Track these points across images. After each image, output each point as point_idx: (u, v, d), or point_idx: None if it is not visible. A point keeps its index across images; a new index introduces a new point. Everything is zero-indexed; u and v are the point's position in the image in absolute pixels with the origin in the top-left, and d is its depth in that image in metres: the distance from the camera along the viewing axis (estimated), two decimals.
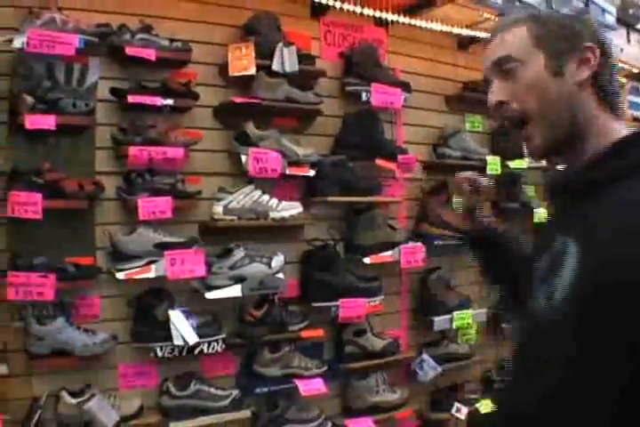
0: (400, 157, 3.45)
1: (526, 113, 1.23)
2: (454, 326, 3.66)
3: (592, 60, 1.19)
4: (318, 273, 3.20)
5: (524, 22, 1.23)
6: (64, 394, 2.49)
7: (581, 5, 4.11)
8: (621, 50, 4.69)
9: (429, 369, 3.55)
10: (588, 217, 1.03)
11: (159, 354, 2.71)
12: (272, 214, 2.98)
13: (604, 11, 4.33)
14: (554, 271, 1.05)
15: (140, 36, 2.63)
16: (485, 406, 3.78)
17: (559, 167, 1.33)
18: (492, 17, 3.63)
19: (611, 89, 1.22)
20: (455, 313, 3.63)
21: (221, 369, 3.02)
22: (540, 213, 4.07)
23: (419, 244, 3.48)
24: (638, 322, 0.91)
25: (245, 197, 2.94)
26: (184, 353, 2.75)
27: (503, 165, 3.92)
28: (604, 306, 0.94)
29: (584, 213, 1.05)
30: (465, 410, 3.68)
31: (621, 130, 1.18)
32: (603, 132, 1.19)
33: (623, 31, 4.86)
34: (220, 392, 2.84)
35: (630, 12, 4.84)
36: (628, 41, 4.92)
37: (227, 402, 2.83)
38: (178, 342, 2.68)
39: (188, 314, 2.76)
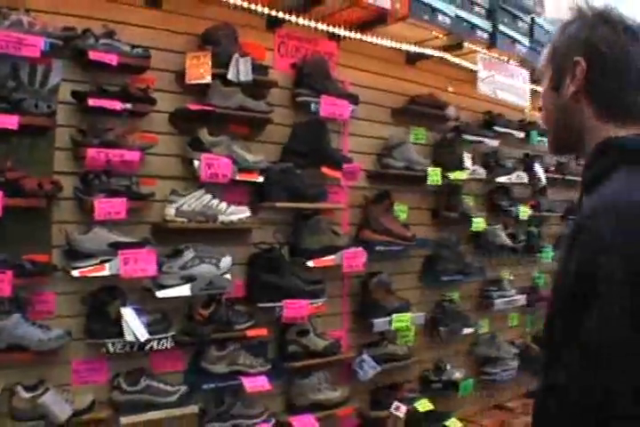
0: (345, 165, 3.59)
1: (542, 119, 1.49)
2: (393, 328, 3.82)
3: (578, 74, 1.33)
4: (264, 275, 3.32)
5: (554, 37, 1.42)
6: (19, 389, 2.56)
7: (526, 27, 4.37)
8: None
9: (369, 369, 3.70)
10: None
11: (111, 350, 2.80)
12: (221, 218, 3.09)
13: (547, 32, 4.59)
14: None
15: (103, 41, 2.72)
16: (423, 404, 3.98)
17: None
18: (441, 35, 3.83)
19: (606, 97, 1.33)
20: (394, 316, 3.79)
21: (170, 366, 3.12)
22: (478, 222, 4.30)
23: (360, 249, 3.61)
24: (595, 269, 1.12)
25: (196, 200, 3.05)
26: (135, 349, 2.84)
27: (444, 176, 4.09)
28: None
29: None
30: (404, 408, 3.84)
31: (613, 133, 1.31)
32: (595, 137, 1.33)
33: None
34: (168, 388, 2.94)
35: None
36: None
37: (175, 398, 2.93)
38: (129, 338, 2.76)
39: (139, 312, 2.84)
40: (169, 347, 2.94)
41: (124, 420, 2.80)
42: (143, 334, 2.80)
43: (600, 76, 1.32)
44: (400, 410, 3.84)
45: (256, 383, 3.19)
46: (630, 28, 1.32)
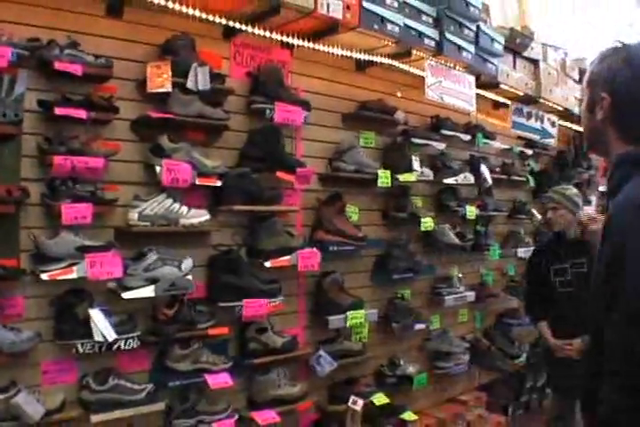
0: (299, 169, 3.74)
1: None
2: (348, 325, 3.99)
3: (604, 106, 1.76)
4: (223, 276, 3.45)
5: (594, 66, 1.83)
6: None
7: (472, 34, 4.59)
8: (507, 75, 5.24)
9: (326, 364, 3.87)
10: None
11: (80, 350, 2.92)
12: (182, 221, 3.23)
13: (493, 40, 4.83)
14: None
15: (67, 51, 2.84)
16: (379, 398, 4.16)
17: None
18: (390, 43, 4.01)
19: (626, 124, 1.76)
20: (349, 313, 3.96)
21: (136, 365, 3.24)
22: (427, 222, 4.51)
23: (315, 249, 3.77)
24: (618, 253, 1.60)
25: (158, 204, 3.17)
26: (103, 349, 2.96)
27: (393, 179, 4.28)
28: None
29: None
30: (361, 402, 4.00)
31: (628, 150, 1.74)
32: (615, 152, 1.78)
33: (510, 58, 5.40)
34: (136, 386, 3.07)
35: (517, 41, 5.39)
36: (514, 67, 5.46)
37: (142, 395, 3.06)
38: (98, 338, 2.89)
39: (106, 313, 2.97)
40: (135, 346, 3.07)
41: (94, 418, 2.93)
42: (111, 335, 2.92)
43: (620, 110, 1.74)
44: (357, 404, 4.00)
45: (219, 380, 3.33)
46: None
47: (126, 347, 3.04)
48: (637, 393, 1.50)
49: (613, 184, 1.76)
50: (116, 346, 3.00)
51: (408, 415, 4.43)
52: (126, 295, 3.04)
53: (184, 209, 3.26)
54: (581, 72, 6.65)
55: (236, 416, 3.45)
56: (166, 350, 3.30)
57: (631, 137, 1.75)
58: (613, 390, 1.56)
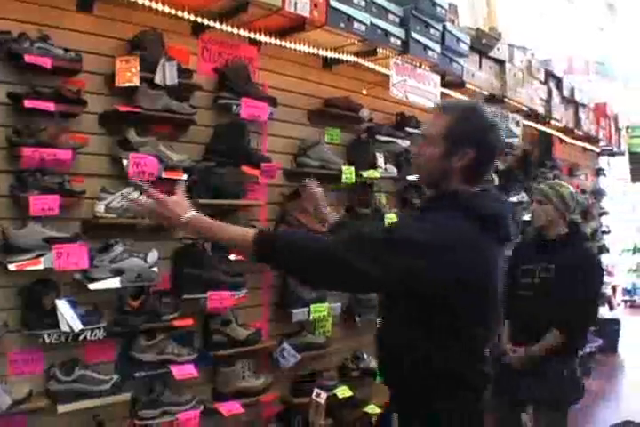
0: (263, 164, 3.84)
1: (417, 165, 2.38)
2: (311, 319, 4.12)
3: (465, 159, 2.15)
4: (188, 268, 3.54)
5: (449, 114, 2.21)
6: None
7: (438, 34, 4.72)
8: (473, 75, 5.39)
9: (290, 357, 3.99)
10: None
11: (47, 340, 3.00)
12: None
13: (458, 40, 4.95)
14: None
15: (38, 44, 2.93)
16: (343, 391, 4.29)
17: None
18: (356, 42, 4.12)
19: (478, 173, 2.23)
20: (312, 306, 4.09)
21: (102, 356, 3.33)
22: (390, 218, 4.63)
23: None
24: None
25: (124, 197, 3.28)
26: (70, 340, 3.05)
27: (357, 175, 4.41)
28: None
29: None
30: (324, 395, 4.12)
31: (460, 188, 2.19)
32: (449, 187, 2.20)
33: (476, 58, 5.52)
34: (102, 377, 3.16)
35: (483, 41, 5.52)
36: (480, 67, 5.58)
37: (108, 386, 3.15)
38: (64, 329, 2.97)
39: (72, 303, 3.05)
40: (101, 337, 3.16)
41: (60, 408, 3.01)
42: (77, 325, 3.00)
43: (479, 164, 2.19)
44: (321, 397, 4.11)
45: (184, 371, 3.43)
46: (500, 134, 2.25)
47: (92, 337, 3.12)
48: None
49: (424, 208, 2.39)
50: (82, 336, 3.08)
51: (371, 409, 4.55)
52: (92, 286, 3.13)
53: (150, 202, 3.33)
54: (547, 73, 6.86)
55: (201, 407, 3.54)
56: (132, 341, 3.39)
57: (473, 180, 2.22)
58: None
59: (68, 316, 3.00)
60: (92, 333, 3.12)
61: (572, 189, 3.96)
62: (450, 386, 2.15)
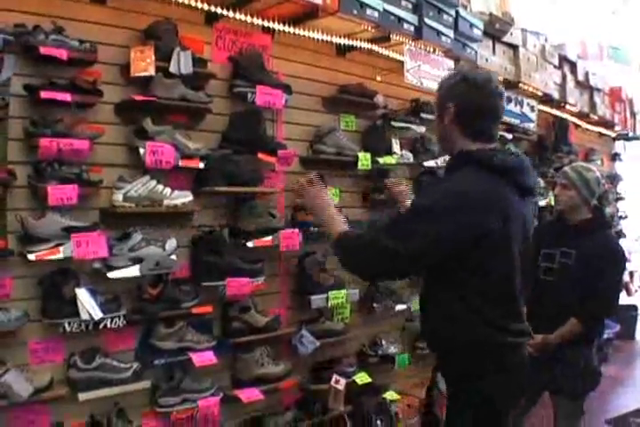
0: (280, 152, 3.85)
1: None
2: (330, 305, 4.12)
3: (450, 113, 2.42)
4: (207, 256, 3.56)
5: (439, 88, 2.53)
6: None
7: (451, 20, 4.69)
8: (486, 60, 5.37)
9: (308, 344, 4.00)
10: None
11: (67, 329, 3.03)
12: (166, 202, 3.33)
13: (471, 25, 4.93)
14: None
15: (53, 36, 2.93)
16: (361, 377, 4.31)
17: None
18: (369, 28, 4.11)
19: (465, 126, 2.43)
20: (330, 293, 4.09)
21: (122, 344, 3.35)
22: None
23: (296, 230, 3.90)
24: None
25: (142, 186, 3.27)
26: (90, 328, 3.07)
27: (373, 161, 4.42)
28: None
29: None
30: (343, 382, 4.14)
31: (469, 146, 2.42)
32: (459, 147, 2.45)
33: (490, 43, 5.51)
34: (122, 365, 3.18)
35: (497, 26, 5.49)
36: (494, 52, 5.57)
37: (128, 374, 3.17)
38: (84, 317, 2.99)
39: (92, 292, 3.07)
40: (121, 325, 3.18)
41: (81, 396, 3.04)
42: (97, 313, 3.03)
43: (462, 115, 2.42)
44: (340, 383, 4.13)
45: (203, 358, 3.45)
46: (481, 85, 2.39)
47: (112, 326, 3.15)
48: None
49: (448, 167, 2.55)
50: (102, 325, 3.11)
51: (390, 395, 4.58)
52: (112, 275, 3.15)
53: (167, 190, 3.36)
54: (561, 58, 6.81)
55: (221, 394, 3.56)
56: (151, 329, 3.41)
57: (471, 134, 2.43)
58: None
59: (87, 304, 3.02)
60: (111, 321, 3.15)
61: (597, 173, 3.82)
62: (488, 348, 2.35)
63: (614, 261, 3.68)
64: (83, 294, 3.04)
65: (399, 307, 4.74)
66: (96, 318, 3.03)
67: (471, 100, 2.39)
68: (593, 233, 3.69)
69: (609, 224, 3.91)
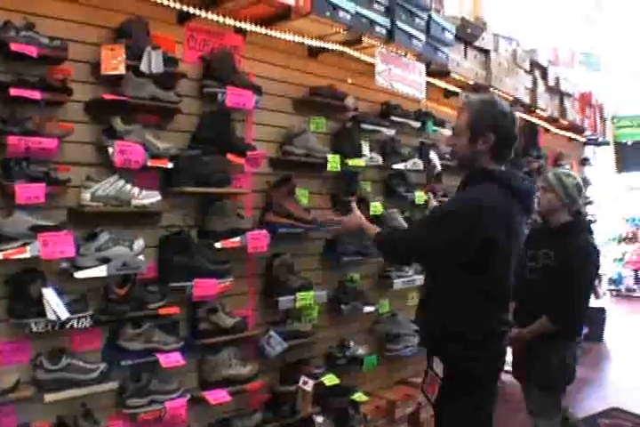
0: (249, 153, 3.87)
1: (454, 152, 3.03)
2: (297, 306, 4.15)
3: (487, 142, 2.79)
4: (174, 256, 3.57)
5: (470, 108, 2.86)
6: None
7: (423, 23, 4.76)
8: (458, 64, 5.44)
9: (276, 345, 4.02)
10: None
11: (34, 329, 3.02)
12: (134, 202, 3.33)
13: (443, 29, 5.00)
14: None
15: (23, 33, 2.93)
16: (329, 379, 4.34)
17: None
18: (341, 30, 4.16)
19: (500, 154, 2.84)
20: (298, 294, 4.12)
21: (89, 344, 3.35)
22: (376, 206, 4.70)
23: (264, 231, 3.92)
24: None
25: (110, 185, 3.27)
26: (56, 328, 3.07)
27: (343, 163, 4.46)
28: None
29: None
30: (311, 383, 4.18)
31: (491, 166, 2.82)
32: (479, 165, 2.84)
33: (461, 47, 5.59)
34: (89, 366, 3.19)
35: (469, 30, 5.57)
36: (465, 56, 5.66)
37: (95, 375, 3.18)
38: (51, 317, 2.98)
39: (59, 292, 3.07)
40: (88, 326, 3.18)
41: (47, 397, 3.05)
42: (64, 313, 3.02)
43: (499, 145, 2.81)
44: (308, 385, 4.16)
45: (170, 359, 3.46)
46: (512, 118, 2.82)
47: (79, 326, 3.15)
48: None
49: (466, 183, 2.92)
50: (68, 325, 3.11)
51: (359, 397, 4.61)
52: (79, 275, 3.15)
53: (136, 190, 3.36)
54: (532, 63, 6.92)
55: (188, 396, 3.58)
56: (118, 330, 3.41)
57: (497, 157, 2.84)
58: None
59: (54, 304, 3.01)
60: (78, 321, 3.15)
61: (578, 180, 4.00)
62: (487, 335, 2.82)
63: (586, 264, 3.84)
64: (49, 294, 3.03)
65: (367, 309, 4.79)
66: (62, 318, 3.02)
67: (507, 133, 2.82)
68: (572, 236, 3.88)
69: (589, 228, 4.08)
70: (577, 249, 3.82)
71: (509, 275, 2.87)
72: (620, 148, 11.78)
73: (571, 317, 3.84)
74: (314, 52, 4.53)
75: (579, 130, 8.86)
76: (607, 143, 10.49)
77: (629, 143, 11.85)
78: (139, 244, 3.36)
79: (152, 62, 3.36)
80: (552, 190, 3.93)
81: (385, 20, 4.38)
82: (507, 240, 2.74)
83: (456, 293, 2.81)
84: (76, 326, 3.14)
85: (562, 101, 7.84)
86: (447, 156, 5.74)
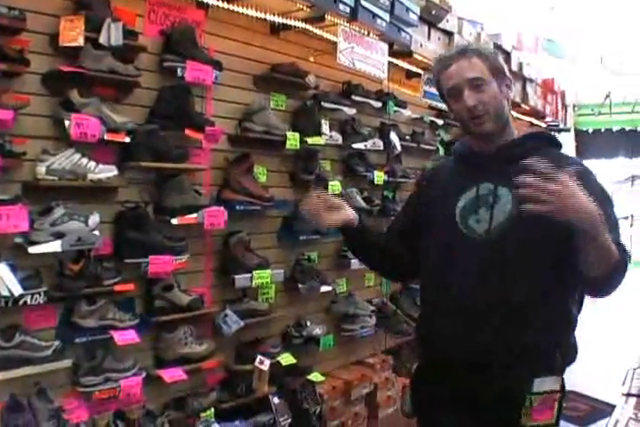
0: (207, 128, 3.88)
1: (488, 112, 2.41)
2: (254, 285, 4.18)
3: (511, 86, 2.50)
4: (130, 232, 3.56)
5: (477, 56, 2.39)
6: None
7: (387, 3, 4.79)
8: (421, 45, 5.50)
9: (232, 323, 4.05)
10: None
11: None
12: (90, 176, 3.32)
13: (408, 9, 5.03)
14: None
15: None
16: (286, 358, 4.39)
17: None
18: (304, 7, 4.18)
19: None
20: (255, 272, 4.15)
21: (43, 322, 3.33)
22: (334, 186, 4.75)
23: (221, 208, 3.94)
24: None
25: (66, 159, 3.25)
26: (9, 305, 3.04)
27: (302, 141, 4.49)
28: None
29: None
30: (267, 362, 4.20)
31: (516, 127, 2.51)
32: (512, 126, 2.56)
33: (425, 29, 5.66)
34: (42, 343, 3.17)
35: (433, 12, 5.62)
36: (429, 38, 5.72)
37: (49, 352, 3.16)
38: (4, 293, 2.95)
39: (12, 267, 3.04)
40: (42, 302, 3.15)
41: (0, 375, 3.03)
42: (17, 289, 2.99)
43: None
44: (264, 364, 4.19)
45: (126, 337, 3.46)
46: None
47: (33, 302, 3.12)
48: None
49: (519, 154, 2.39)
50: (22, 301, 3.08)
51: (315, 376, 4.68)
52: (32, 250, 3.13)
53: (92, 164, 3.35)
54: (496, 47, 6.99)
55: (144, 374, 3.59)
56: (73, 307, 3.40)
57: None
58: None
59: (7, 280, 2.98)
60: (32, 297, 3.12)
61: None
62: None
63: None
64: (2, 270, 3.00)
65: (324, 288, 4.82)
66: (16, 294, 3.00)
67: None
68: None
69: None
70: None
71: None
72: (580, 135, 12.01)
73: None
74: (276, 29, 4.54)
75: (540, 115, 9.00)
76: (568, 130, 10.66)
77: (590, 131, 12.10)
78: (94, 219, 3.35)
79: (111, 35, 3.34)
80: None
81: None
82: None
83: (566, 300, 2.44)
84: (29, 302, 3.11)
85: (524, 87, 7.96)
86: (407, 137, 5.82)
